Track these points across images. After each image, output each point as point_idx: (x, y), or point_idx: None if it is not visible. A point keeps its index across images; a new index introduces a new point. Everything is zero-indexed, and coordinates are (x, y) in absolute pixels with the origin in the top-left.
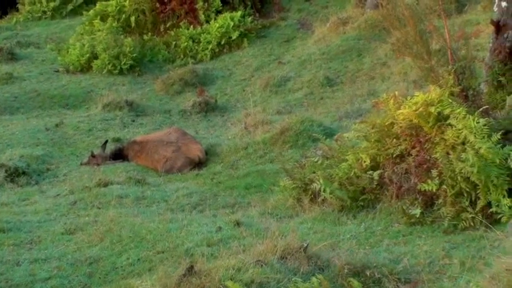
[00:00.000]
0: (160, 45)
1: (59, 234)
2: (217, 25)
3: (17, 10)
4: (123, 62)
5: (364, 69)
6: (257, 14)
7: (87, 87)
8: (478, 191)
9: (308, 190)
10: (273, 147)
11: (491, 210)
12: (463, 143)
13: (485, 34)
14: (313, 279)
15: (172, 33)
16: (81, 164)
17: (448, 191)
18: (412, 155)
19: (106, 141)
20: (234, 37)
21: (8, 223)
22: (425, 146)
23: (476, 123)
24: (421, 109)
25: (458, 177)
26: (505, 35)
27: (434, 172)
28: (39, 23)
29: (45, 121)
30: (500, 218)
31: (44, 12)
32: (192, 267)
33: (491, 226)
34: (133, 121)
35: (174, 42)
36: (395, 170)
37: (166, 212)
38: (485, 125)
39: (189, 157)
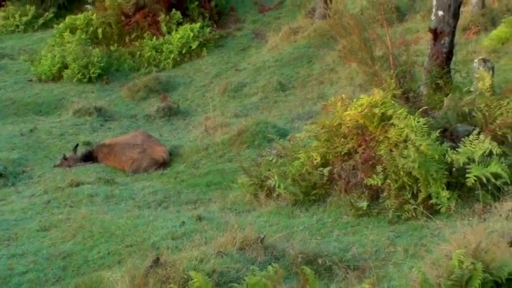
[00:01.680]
0: (126, 55)
1: (34, 231)
2: (178, 36)
3: None
4: (91, 71)
5: (314, 74)
6: (215, 25)
7: (59, 95)
8: (419, 185)
9: (264, 186)
10: (231, 147)
11: (431, 201)
12: (405, 141)
13: (424, 41)
14: (270, 267)
15: (137, 43)
16: (54, 166)
17: (391, 185)
18: (358, 153)
19: (77, 145)
20: (194, 47)
21: None
22: (371, 144)
23: (417, 122)
24: (366, 110)
25: (401, 172)
26: (442, 42)
27: (379, 168)
28: (12, 36)
29: (20, 127)
30: (440, 208)
31: (17, 26)
32: (158, 259)
33: (431, 216)
34: (102, 126)
35: (138, 52)
36: (344, 166)
37: (134, 208)
38: (425, 124)
39: (154, 158)
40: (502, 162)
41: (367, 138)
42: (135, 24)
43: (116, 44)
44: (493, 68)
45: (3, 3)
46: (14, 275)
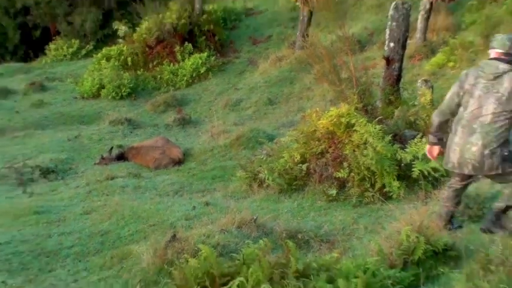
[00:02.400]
0: (149, 78)
1: (79, 215)
2: (190, 63)
3: (45, 54)
4: (123, 90)
5: (295, 92)
6: (218, 54)
7: (97, 109)
8: (376, 177)
9: (256, 179)
10: (231, 149)
11: (385, 189)
12: (365, 143)
13: (379, 66)
14: (261, 241)
15: (158, 69)
16: (94, 164)
17: (355, 177)
18: (329, 152)
19: (112, 147)
20: (202, 71)
21: (42, 207)
22: (339, 145)
23: (374, 128)
24: (335, 120)
25: (362, 167)
26: (393, 67)
27: (345, 164)
28: (61, 63)
29: (67, 134)
30: (392, 195)
31: (65, 55)
32: (174, 235)
33: (385, 201)
34: (131, 132)
35: (159, 76)
36: (318, 163)
37: (156, 196)
38: (380, 130)
39: (172, 157)
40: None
41: (335, 141)
42: (156, 54)
43: (141, 69)
44: (432, 87)
45: (53, 38)
46: (63, 248)
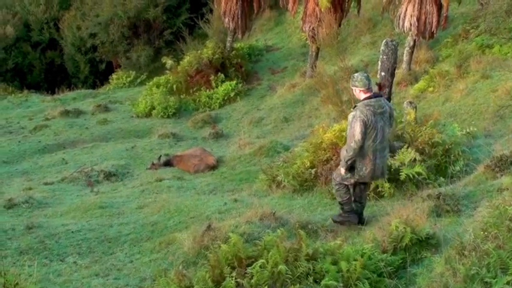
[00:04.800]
0: (190, 101)
1: (134, 209)
2: (222, 89)
3: (109, 82)
4: (169, 111)
5: (305, 112)
6: (244, 82)
7: (149, 125)
8: None
9: (275, 180)
10: (255, 157)
11: (378, 190)
12: None
13: None
14: (278, 231)
15: (197, 94)
16: (146, 169)
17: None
18: (333, 159)
19: (160, 156)
20: (232, 95)
21: (105, 203)
22: None
23: None
24: (337, 133)
25: None
26: (384, 91)
27: None
28: (121, 90)
29: (125, 145)
30: (384, 194)
31: (124, 83)
32: (210, 225)
33: (379, 199)
34: (176, 144)
35: (198, 99)
36: (324, 168)
37: (195, 195)
38: None
39: (208, 164)
40: (422, 165)
41: (338, 150)
42: (196, 82)
43: (184, 94)
44: (416, 107)
45: (115, 70)
46: (122, 235)
